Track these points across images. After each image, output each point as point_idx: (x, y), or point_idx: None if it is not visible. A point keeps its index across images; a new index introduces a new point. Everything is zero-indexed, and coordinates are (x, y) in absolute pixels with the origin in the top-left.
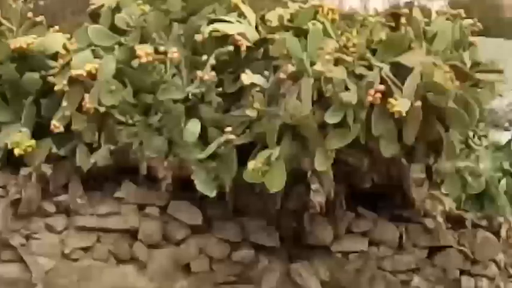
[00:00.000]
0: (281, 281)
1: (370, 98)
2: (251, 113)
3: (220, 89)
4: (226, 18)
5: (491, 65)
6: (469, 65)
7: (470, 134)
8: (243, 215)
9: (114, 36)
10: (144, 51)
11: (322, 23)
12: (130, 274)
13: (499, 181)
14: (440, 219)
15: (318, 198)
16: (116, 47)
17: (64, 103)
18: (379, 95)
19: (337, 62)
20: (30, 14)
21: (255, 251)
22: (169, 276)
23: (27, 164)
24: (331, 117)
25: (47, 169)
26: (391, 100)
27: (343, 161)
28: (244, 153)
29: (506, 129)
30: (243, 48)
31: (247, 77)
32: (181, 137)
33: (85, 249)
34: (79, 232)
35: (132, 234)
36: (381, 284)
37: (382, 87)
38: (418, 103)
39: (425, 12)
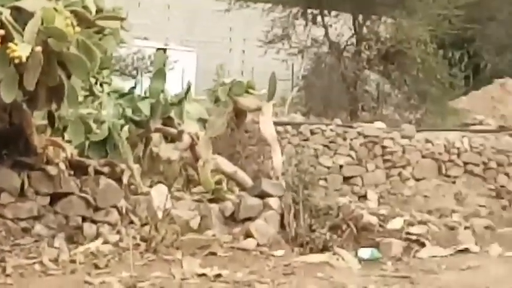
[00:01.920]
0: None
1: None
2: None
3: None
4: None
5: (114, 12)
6: (94, 11)
7: (93, 80)
8: None
9: None
10: None
11: None
12: None
13: (122, 128)
14: (62, 166)
15: None
16: None
17: None
18: None
19: None
20: None
21: None
22: None
23: None
24: None
25: None
26: (11, 45)
27: None
28: None
29: (133, 77)
30: None
31: None
32: None
33: None
34: None
35: None
36: (1, 232)
37: (1, 31)
38: (39, 48)
39: None
